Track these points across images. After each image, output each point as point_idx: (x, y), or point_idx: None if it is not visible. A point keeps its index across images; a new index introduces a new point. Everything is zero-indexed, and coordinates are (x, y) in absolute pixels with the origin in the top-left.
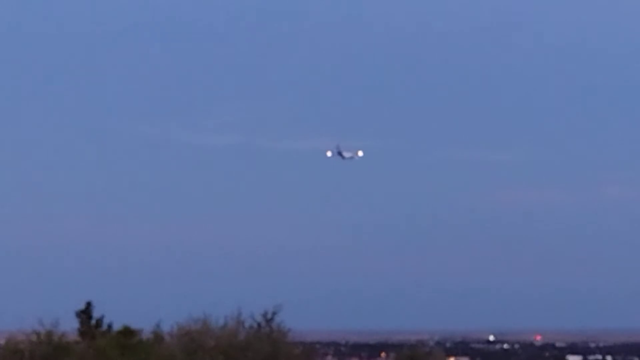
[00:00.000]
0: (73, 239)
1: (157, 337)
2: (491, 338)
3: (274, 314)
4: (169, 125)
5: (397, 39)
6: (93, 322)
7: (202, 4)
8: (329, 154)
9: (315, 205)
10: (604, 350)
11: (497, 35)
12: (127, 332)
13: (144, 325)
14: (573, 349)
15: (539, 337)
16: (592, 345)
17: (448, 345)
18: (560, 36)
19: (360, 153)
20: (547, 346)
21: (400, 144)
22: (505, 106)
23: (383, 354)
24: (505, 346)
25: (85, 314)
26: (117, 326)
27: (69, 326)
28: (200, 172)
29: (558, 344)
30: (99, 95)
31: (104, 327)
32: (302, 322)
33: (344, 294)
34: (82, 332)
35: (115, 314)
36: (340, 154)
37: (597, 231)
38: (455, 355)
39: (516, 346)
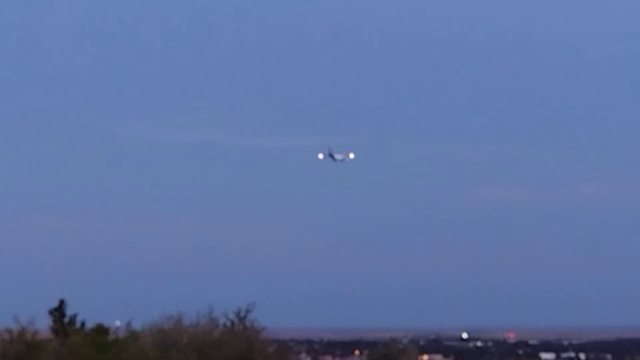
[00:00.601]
0: (46, 237)
1: (132, 335)
2: (464, 336)
3: (247, 312)
4: (142, 123)
5: (374, 40)
6: (66, 320)
7: (178, 3)
8: (320, 156)
9: (290, 204)
10: (577, 348)
11: (467, 35)
12: (101, 330)
13: (114, 323)
14: (546, 347)
15: (511, 335)
16: (565, 342)
17: (422, 342)
18: (533, 35)
19: (352, 155)
20: (520, 344)
21: (371, 141)
22: (477, 104)
23: (357, 352)
24: (479, 344)
25: (58, 311)
26: (89, 324)
27: (42, 324)
28: (174, 170)
29: (531, 342)
30: (73, 94)
31: (77, 325)
32: (277, 320)
33: (318, 292)
34: (55, 330)
35: (88, 312)
36: (331, 156)
37: (569, 230)
38: (428, 352)
39: (489, 344)
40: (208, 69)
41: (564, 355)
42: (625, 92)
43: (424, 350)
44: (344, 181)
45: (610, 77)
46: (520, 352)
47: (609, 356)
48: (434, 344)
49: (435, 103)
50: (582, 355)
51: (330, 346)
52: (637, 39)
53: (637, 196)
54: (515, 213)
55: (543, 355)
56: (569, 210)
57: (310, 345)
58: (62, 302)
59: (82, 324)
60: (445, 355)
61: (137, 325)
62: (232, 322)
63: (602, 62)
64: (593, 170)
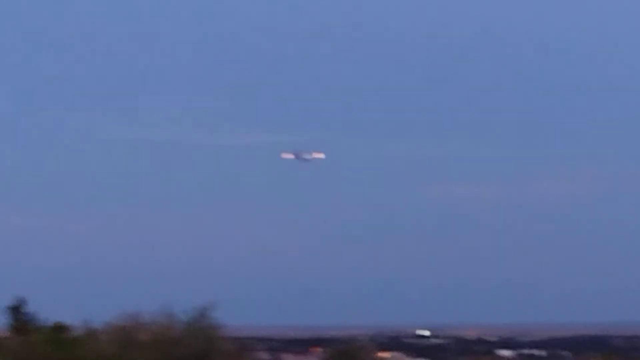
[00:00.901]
0: (5, 235)
1: (91, 333)
2: (424, 333)
3: (208, 310)
4: (105, 120)
5: (338, 35)
6: (24, 318)
7: (141, 1)
8: (285, 155)
9: (249, 200)
10: (534, 345)
11: (433, 33)
12: (60, 328)
13: (73, 321)
14: (504, 344)
15: (472, 332)
16: (524, 339)
17: (381, 340)
18: (495, 33)
19: (319, 155)
20: (479, 341)
21: (336, 139)
22: (438, 101)
23: (316, 349)
24: (438, 341)
25: (16, 309)
26: (48, 322)
27: (0, 322)
28: (135, 168)
29: (490, 339)
30: (35, 88)
31: (36, 323)
32: (237, 317)
33: (278, 289)
34: (14, 328)
35: (46, 311)
36: (298, 156)
37: (527, 226)
38: (388, 350)
39: (449, 341)
40: (169, 65)
41: (522, 351)
42: (599, 89)
43: (383, 347)
44: (306, 178)
45: (586, 74)
46: (479, 348)
47: (566, 353)
48: (393, 342)
49: (394, 100)
50: (539, 352)
51: (290, 344)
52: (619, 36)
53: (599, 193)
54: (472, 210)
55: (501, 351)
56: (526, 207)
57: (270, 343)
58: (20, 300)
59: (41, 322)
60: (406, 353)
61: (95, 324)
62: (192, 320)
63: (574, 61)
64: (550, 167)
